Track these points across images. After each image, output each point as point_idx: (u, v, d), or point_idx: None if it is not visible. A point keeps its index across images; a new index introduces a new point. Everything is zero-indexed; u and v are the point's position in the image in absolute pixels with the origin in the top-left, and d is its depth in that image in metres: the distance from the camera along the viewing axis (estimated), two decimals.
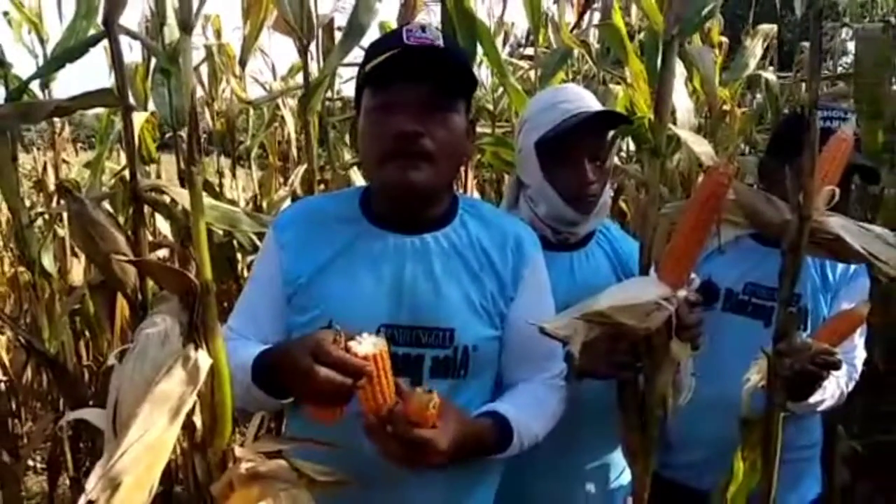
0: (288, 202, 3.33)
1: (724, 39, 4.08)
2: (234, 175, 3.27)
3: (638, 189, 3.00)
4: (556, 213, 1.44)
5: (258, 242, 2.22)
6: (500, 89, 3.12)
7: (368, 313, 1.16)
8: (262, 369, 1.08)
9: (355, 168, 3.43)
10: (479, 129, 2.90)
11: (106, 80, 3.40)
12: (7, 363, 3.04)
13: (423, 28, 1.16)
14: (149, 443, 0.74)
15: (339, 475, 0.91)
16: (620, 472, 1.49)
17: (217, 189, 3.21)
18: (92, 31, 2.24)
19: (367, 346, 1.00)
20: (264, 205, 3.83)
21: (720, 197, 1.01)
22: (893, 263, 1.10)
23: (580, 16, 3.52)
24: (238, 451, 0.82)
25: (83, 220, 1.51)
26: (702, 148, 1.94)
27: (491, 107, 3.17)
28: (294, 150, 3.72)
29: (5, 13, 2.66)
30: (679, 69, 2.43)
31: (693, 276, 1.08)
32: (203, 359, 0.79)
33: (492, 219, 1.28)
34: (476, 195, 2.87)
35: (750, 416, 1.18)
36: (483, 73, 3.51)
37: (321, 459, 0.94)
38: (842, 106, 1.68)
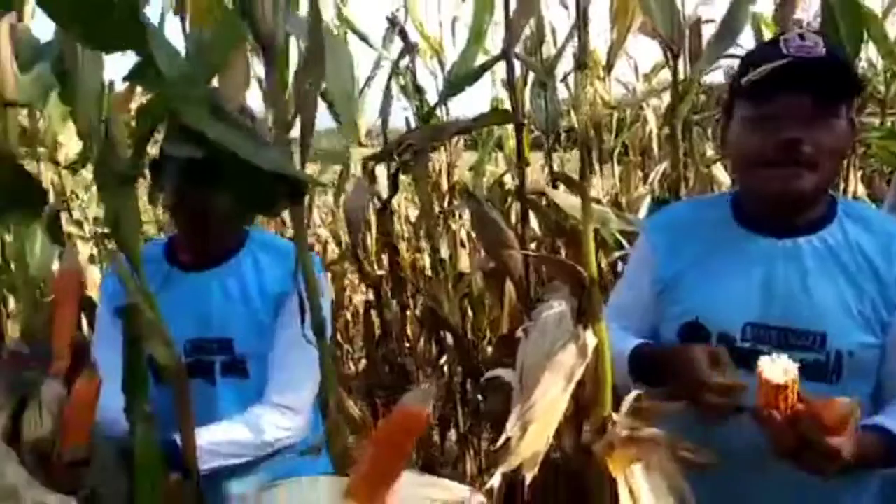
0: (648, 200, 3.43)
1: None
2: (601, 173, 3.48)
3: None
4: None
5: (623, 241, 2.38)
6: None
7: (736, 312, 1.21)
8: (639, 362, 1.22)
9: (718, 164, 3.37)
10: (866, 119, 2.64)
11: None
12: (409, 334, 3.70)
13: (801, 36, 1.17)
14: (549, 401, 0.94)
15: (707, 456, 1.00)
16: None
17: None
18: (481, 56, 2.62)
19: (778, 371, 0.97)
20: (623, 202, 3.98)
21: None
22: None
23: None
24: (616, 417, 0.98)
25: (481, 217, 1.82)
26: None
27: (882, 92, 2.84)
28: (655, 148, 3.79)
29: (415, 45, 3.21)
30: None
31: None
32: (590, 338, 0.96)
33: (874, 221, 1.23)
34: (861, 189, 2.62)
35: None
36: (872, 53, 3.15)
37: (688, 437, 1.04)
38: None
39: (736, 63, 1.32)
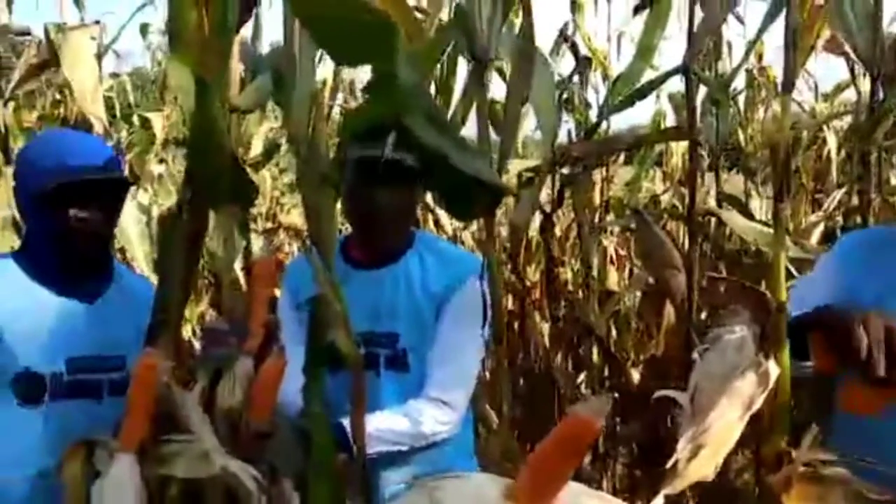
0: (821, 228, 3.20)
1: None
2: (765, 196, 3.30)
3: None
4: None
5: (792, 269, 2.24)
6: None
7: None
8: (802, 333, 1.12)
9: None
10: None
11: None
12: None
13: None
14: (723, 426, 0.91)
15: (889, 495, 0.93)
16: None
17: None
18: (648, 72, 2.56)
19: None
20: (791, 228, 3.75)
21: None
22: None
23: None
24: (794, 452, 0.93)
25: (645, 235, 1.79)
26: None
27: None
28: (834, 173, 3.54)
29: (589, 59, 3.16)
30: None
31: None
32: (773, 368, 0.92)
33: None
34: None
35: None
36: None
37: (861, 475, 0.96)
38: None
39: None
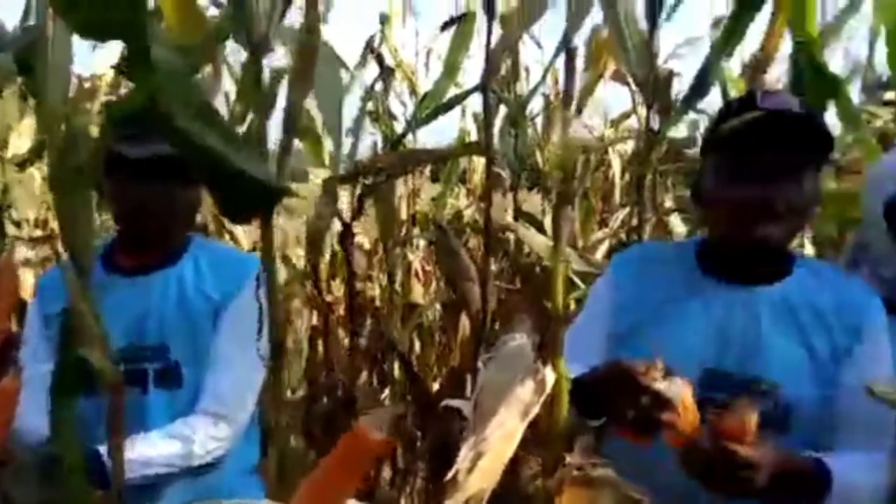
0: (606, 245, 3.46)
1: None
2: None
3: None
4: None
5: (578, 281, 2.39)
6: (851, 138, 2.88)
7: (692, 357, 1.21)
8: (580, 391, 1.19)
9: (675, 214, 3.43)
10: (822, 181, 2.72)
11: None
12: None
13: (775, 92, 1.21)
14: (502, 435, 0.91)
15: (652, 499, 0.98)
16: None
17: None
18: (453, 88, 2.63)
19: (675, 391, 1.02)
20: (580, 244, 4.03)
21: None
22: None
23: None
24: (568, 457, 0.96)
25: (444, 248, 1.80)
26: None
27: (839, 158, 2.94)
28: (617, 194, 3.85)
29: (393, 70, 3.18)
30: None
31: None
32: (549, 374, 0.94)
33: (830, 278, 1.26)
34: (810, 250, 2.70)
35: None
36: (833, 120, 3.26)
37: (630, 479, 1.01)
38: None
39: (702, 118, 1.36)
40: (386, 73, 2.49)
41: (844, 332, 1.19)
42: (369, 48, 2.56)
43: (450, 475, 0.91)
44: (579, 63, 3.23)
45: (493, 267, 3.11)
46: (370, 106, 2.89)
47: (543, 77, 2.39)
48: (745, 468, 1.00)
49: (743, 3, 1.51)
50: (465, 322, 2.47)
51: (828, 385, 1.19)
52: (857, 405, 1.14)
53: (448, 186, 3.97)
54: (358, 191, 2.08)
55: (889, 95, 2.96)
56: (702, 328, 1.23)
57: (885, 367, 1.19)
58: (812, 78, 1.62)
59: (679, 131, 3.73)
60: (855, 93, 2.59)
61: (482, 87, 1.73)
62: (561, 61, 1.78)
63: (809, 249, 2.63)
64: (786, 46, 1.82)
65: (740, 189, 1.18)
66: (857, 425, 1.17)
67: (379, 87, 2.62)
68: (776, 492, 1.05)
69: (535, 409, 0.93)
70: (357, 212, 2.08)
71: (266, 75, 0.88)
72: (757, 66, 1.69)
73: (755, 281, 1.24)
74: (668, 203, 3.70)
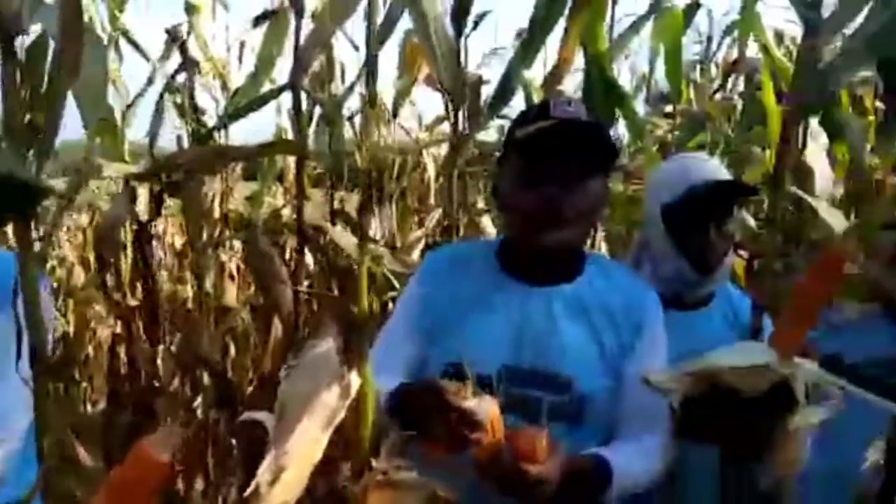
0: (422, 244, 3.54)
1: (881, 105, 3.91)
2: (380, 215, 3.54)
3: None
4: (680, 275, 1.50)
5: (394, 281, 2.41)
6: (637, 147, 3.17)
7: (492, 354, 1.27)
8: (396, 402, 1.21)
9: (486, 216, 3.58)
10: (611, 186, 2.98)
11: None
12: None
13: (569, 102, 1.29)
14: (305, 444, 0.89)
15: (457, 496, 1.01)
16: None
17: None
18: (267, 85, 2.54)
19: (483, 409, 1.10)
20: (399, 244, 4.08)
21: (837, 272, 1.04)
22: None
23: (725, 77, 3.52)
24: (374, 462, 0.96)
25: (254, 249, 1.73)
26: (834, 219, 1.92)
27: (627, 164, 3.23)
28: (432, 195, 3.95)
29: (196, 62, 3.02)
30: (822, 138, 2.40)
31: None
32: (354, 379, 0.93)
33: (617, 277, 1.37)
34: (604, 248, 2.93)
35: (866, 493, 1.17)
36: (621, 129, 3.57)
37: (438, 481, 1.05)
38: None
39: (507, 123, 1.42)
40: (189, 65, 2.35)
41: (629, 330, 1.31)
42: (171, 38, 2.40)
43: (251, 489, 0.88)
44: (392, 67, 3.27)
45: (312, 268, 3.08)
46: (176, 99, 2.73)
47: (359, 77, 2.38)
48: (536, 485, 1.11)
49: (538, 19, 1.60)
50: (277, 326, 2.40)
51: (617, 379, 1.30)
52: (635, 396, 1.26)
53: (265, 185, 3.85)
54: (157, 188, 1.94)
55: (668, 108, 3.31)
56: (501, 325, 1.29)
57: (660, 359, 1.33)
58: (602, 90, 1.76)
59: (489, 135, 3.92)
60: (640, 105, 2.85)
61: (291, 85, 1.69)
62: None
63: (603, 247, 2.87)
64: (580, 60, 1.97)
65: (531, 194, 1.26)
66: (634, 414, 1.29)
67: (182, 79, 2.47)
68: (566, 495, 1.16)
69: (341, 415, 0.92)
70: (155, 211, 1.94)
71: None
72: (553, 78, 1.80)
73: (550, 280, 1.32)
74: (480, 204, 3.86)
